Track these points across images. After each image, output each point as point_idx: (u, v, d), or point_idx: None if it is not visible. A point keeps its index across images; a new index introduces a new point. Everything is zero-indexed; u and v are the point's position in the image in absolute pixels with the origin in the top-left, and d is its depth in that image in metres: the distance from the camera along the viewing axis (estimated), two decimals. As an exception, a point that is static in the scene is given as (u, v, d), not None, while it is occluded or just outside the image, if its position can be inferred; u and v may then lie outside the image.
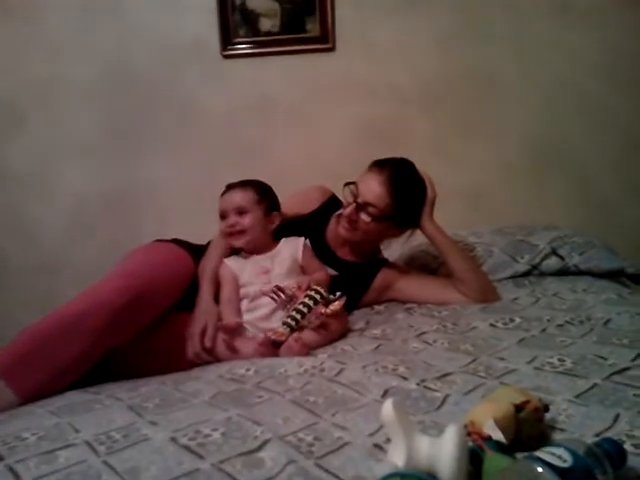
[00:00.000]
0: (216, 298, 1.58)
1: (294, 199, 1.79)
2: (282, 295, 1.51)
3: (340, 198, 1.76)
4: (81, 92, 2.43)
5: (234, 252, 1.66)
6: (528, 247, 2.02)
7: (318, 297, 1.48)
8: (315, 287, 1.49)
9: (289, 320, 1.45)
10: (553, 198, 2.47)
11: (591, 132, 2.45)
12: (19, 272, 2.48)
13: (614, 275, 1.96)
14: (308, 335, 1.44)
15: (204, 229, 1.76)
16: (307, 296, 1.48)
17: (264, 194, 1.66)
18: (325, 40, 2.41)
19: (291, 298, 1.51)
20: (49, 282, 2.45)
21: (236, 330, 1.48)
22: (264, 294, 1.53)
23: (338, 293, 1.51)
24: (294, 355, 1.36)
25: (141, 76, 2.44)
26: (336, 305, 1.47)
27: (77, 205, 2.48)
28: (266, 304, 1.53)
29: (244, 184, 1.66)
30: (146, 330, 1.46)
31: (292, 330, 1.44)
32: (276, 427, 0.95)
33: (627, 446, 0.78)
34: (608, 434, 0.84)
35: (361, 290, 1.77)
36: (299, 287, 1.51)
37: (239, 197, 1.63)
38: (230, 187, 1.67)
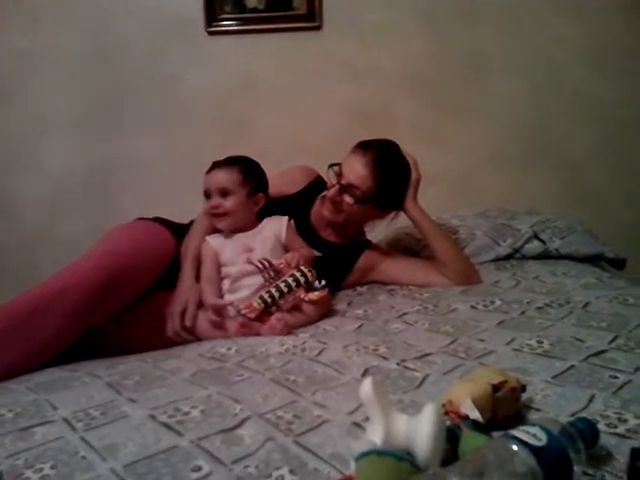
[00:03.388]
0: (197, 276, 1.57)
1: (279, 178, 1.77)
2: (268, 266, 1.50)
3: (325, 179, 1.76)
4: (62, 66, 2.39)
5: (217, 230, 1.65)
6: (510, 231, 2.04)
7: (302, 280, 1.47)
8: (303, 268, 1.48)
9: (266, 296, 1.44)
10: (537, 184, 2.47)
11: (577, 118, 2.45)
12: (-2, 248, 2.45)
13: (594, 259, 1.99)
14: (289, 316, 1.44)
15: (187, 208, 1.74)
16: (292, 276, 1.47)
17: (250, 174, 1.62)
18: (312, 18, 2.38)
19: (276, 273, 1.50)
20: (28, 259, 2.42)
21: (223, 310, 1.47)
22: (250, 263, 1.52)
23: (323, 282, 1.50)
24: (276, 335, 1.36)
25: (124, 51, 2.39)
26: (315, 295, 1.46)
27: (58, 182, 2.44)
28: (248, 285, 1.52)
29: (230, 163, 1.61)
30: (126, 308, 1.45)
31: (266, 307, 1.44)
32: (256, 405, 0.95)
33: (600, 426, 0.80)
34: (583, 414, 0.85)
35: (344, 271, 1.78)
36: (288, 264, 1.50)
37: (223, 178, 1.59)
38: (216, 165, 1.63)
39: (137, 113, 2.43)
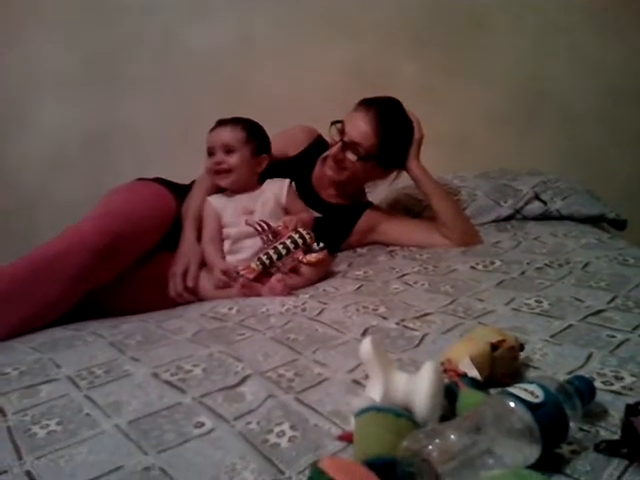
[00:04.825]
0: (199, 237, 1.57)
1: (280, 139, 1.75)
2: (266, 228, 1.50)
3: (326, 139, 1.74)
4: (56, 25, 2.33)
5: (218, 190, 1.64)
6: (512, 191, 2.03)
7: (300, 242, 1.46)
8: (301, 230, 1.48)
9: (264, 258, 1.45)
10: (538, 144, 2.46)
11: (578, 78, 2.42)
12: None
13: (595, 220, 1.99)
14: (287, 278, 1.44)
15: (185, 169, 1.73)
16: (290, 237, 1.47)
17: (254, 134, 1.61)
18: (311, -26, 2.32)
19: (275, 235, 1.50)
20: (27, 222, 2.41)
21: (230, 273, 1.46)
22: (248, 224, 1.52)
23: (321, 244, 1.50)
24: (276, 295, 1.37)
25: (118, 9, 2.33)
26: (313, 257, 1.46)
27: (56, 143, 2.41)
28: (249, 246, 1.52)
29: (235, 121, 1.61)
30: (128, 269, 1.46)
31: (264, 268, 1.44)
32: (257, 363, 0.96)
33: (597, 383, 0.81)
34: (580, 372, 0.86)
35: (344, 232, 1.78)
36: (286, 226, 1.50)
37: (227, 135, 1.58)
38: (220, 123, 1.62)
39: (133, 73, 2.39)
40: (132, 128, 2.42)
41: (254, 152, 1.60)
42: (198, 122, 1.66)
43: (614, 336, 0.99)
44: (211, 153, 1.59)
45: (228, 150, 1.57)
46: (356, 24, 2.37)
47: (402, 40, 2.39)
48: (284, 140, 1.78)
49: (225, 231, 1.57)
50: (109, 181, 1.79)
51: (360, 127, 1.62)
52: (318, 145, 1.80)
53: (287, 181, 1.64)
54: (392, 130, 1.64)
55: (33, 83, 2.37)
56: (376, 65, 2.38)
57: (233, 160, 1.57)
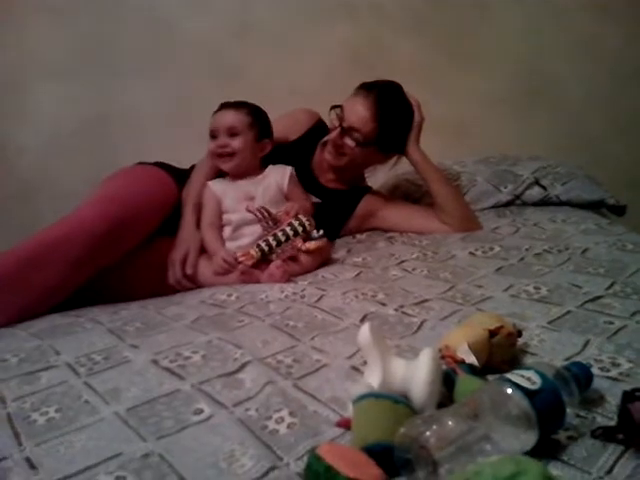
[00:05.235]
0: (198, 223, 1.57)
1: (282, 122, 1.73)
2: (267, 215, 1.49)
3: (327, 122, 1.73)
4: (52, 8, 2.30)
5: (219, 175, 1.63)
6: (512, 177, 2.02)
7: (300, 229, 1.46)
8: (301, 218, 1.47)
9: (263, 245, 1.44)
10: (538, 130, 2.44)
11: (579, 64, 2.41)
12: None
13: (595, 206, 1.98)
14: (286, 265, 1.44)
15: (186, 153, 1.71)
16: (290, 225, 1.46)
17: (258, 118, 1.60)
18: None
19: (275, 221, 1.49)
20: (26, 208, 2.40)
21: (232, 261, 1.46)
22: (249, 211, 1.51)
23: (321, 231, 1.49)
24: (275, 282, 1.37)
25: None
26: (312, 244, 1.46)
27: (54, 129, 2.39)
28: (249, 234, 1.52)
29: (239, 105, 1.59)
30: (128, 255, 1.45)
31: (263, 255, 1.44)
32: (256, 350, 0.97)
33: (594, 370, 0.81)
34: (577, 358, 0.86)
35: (344, 217, 1.77)
36: (286, 213, 1.49)
37: (232, 117, 1.56)
38: (224, 106, 1.60)
39: (131, 58, 2.36)
40: (131, 113, 2.40)
41: (257, 137, 1.59)
42: (198, 107, 1.65)
43: (612, 322, 0.99)
44: (214, 136, 1.57)
45: (232, 133, 1.55)
46: (355, 7, 2.34)
47: (401, 22, 2.36)
48: (286, 123, 1.76)
49: (226, 217, 1.56)
50: (109, 166, 1.78)
51: (359, 112, 1.60)
52: (319, 129, 1.79)
53: (289, 168, 1.62)
54: (392, 115, 1.63)
55: (31, 68, 2.35)
56: (375, 48, 2.36)
57: (237, 143, 1.55)
